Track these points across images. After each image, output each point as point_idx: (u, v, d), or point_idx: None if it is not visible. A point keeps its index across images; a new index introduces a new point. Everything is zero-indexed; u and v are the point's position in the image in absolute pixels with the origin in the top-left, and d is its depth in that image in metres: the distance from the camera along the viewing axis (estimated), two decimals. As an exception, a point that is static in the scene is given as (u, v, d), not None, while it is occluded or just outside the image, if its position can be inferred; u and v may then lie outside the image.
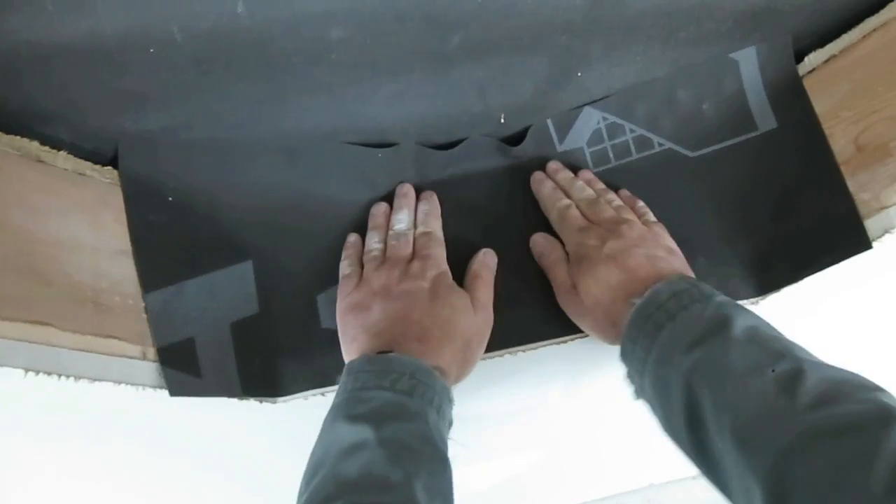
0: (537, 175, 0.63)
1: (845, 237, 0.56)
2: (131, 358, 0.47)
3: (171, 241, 0.53)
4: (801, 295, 0.59)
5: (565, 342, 0.58)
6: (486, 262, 0.60)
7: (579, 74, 0.59)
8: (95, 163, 0.52)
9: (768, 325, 0.48)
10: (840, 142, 0.57)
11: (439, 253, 0.58)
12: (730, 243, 0.62)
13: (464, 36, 0.52)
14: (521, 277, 0.60)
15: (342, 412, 0.46)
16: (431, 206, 0.61)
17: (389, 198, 0.62)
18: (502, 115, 0.61)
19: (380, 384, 0.47)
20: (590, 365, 0.63)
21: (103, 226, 0.50)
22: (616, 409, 0.74)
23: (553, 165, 0.63)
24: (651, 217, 0.61)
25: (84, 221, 0.49)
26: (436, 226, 0.60)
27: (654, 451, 0.77)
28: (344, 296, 0.56)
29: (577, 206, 0.60)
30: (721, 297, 0.49)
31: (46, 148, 0.48)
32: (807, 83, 0.60)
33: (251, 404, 0.53)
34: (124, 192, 0.52)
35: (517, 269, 0.60)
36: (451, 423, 0.50)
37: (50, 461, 0.53)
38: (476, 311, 0.56)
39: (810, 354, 0.45)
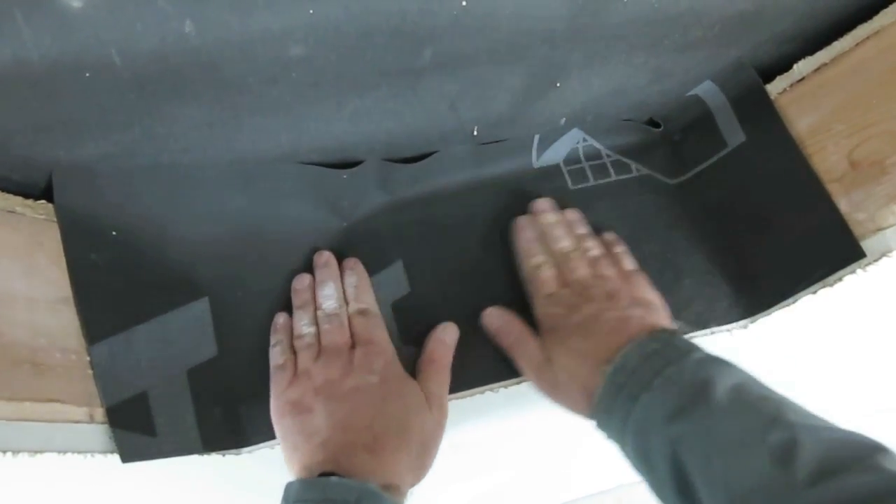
0: (520, 221, 0.58)
1: (834, 247, 0.53)
2: (77, 422, 0.42)
3: (116, 283, 0.47)
4: (796, 325, 0.57)
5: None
6: (443, 339, 0.53)
7: (557, 85, 0.55)
8: (26, 197, 0.46)
9: (753, 379, 0.45)
10: (832, 157, 0.54)
11: (381, 335, 0.52)
12: (716, 264, 0.59)
13: (436, 49, 0.47)
14: (502, 305, 0.56)
15: None
16: (360, 278, 0.54)
17: (359, 216, 0.58)
18: (475, 128, 0.57)
19: None
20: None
21: (38, 271, 0.44)
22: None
23: (540, 205, 0.59)
24: (628, 265, 0.57)
25: (16, 268, 0.43)
26: (370, 300, 0.54)
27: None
28: (280, 392, 0.50)
29: (552, 262, 0.55)
30: (698, 354, 0.46)
31: (-32, 186, 0.43)
32: (796, 93, 0.57)
33: (214, 457, 0.49)
34: (61, 229, 0.46)
35: (496, 295, 0.56)
36: None
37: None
38: (431, 407, 0.50)
39: (802, 413, 0.42)
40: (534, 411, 0.62)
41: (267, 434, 0.50)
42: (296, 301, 0.54)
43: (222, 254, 0.53)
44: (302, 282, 0.54)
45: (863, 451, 0.38)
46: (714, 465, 0.40)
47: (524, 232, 0.57)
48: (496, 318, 0.55)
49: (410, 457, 0.48)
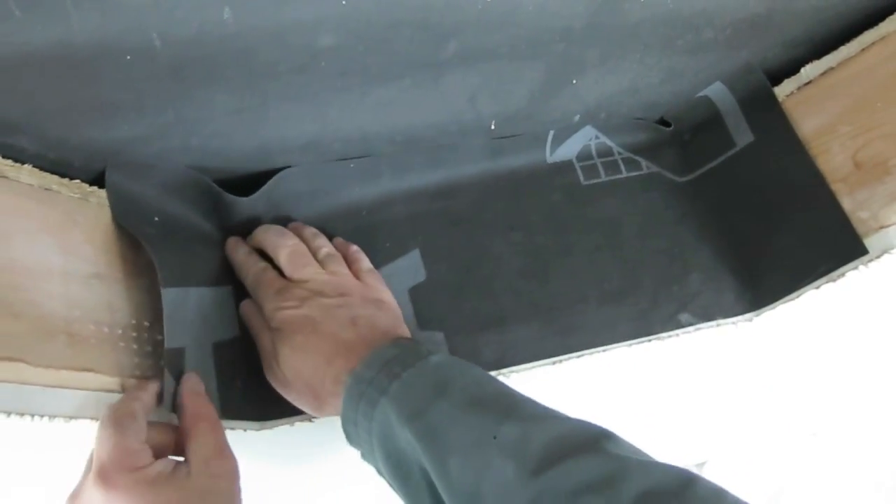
0: (230, 241, 0.55)
1: (838, 243, 0.55)
2: (109, 391, 0.44)
3: (170, 248, 0.50)
4: (800, 319, 0.59)
5: (560, 362, 0.56)
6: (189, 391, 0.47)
7: (574, 82, 0.57)
8: (62, 176, 0.48)
9: (490, 378, 0.45)
10: (837, 158, 0.56)
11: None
12: (723, 259, 0.61)
13: (460, 43, 0.49)
14: (511, 292, 0.58)
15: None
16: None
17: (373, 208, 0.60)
18: (493, 122, 0.59)
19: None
20: (584, 382, 0.62)
21: (73, 248, 0.46)
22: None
23: (259, 230, 0.56)
24: (365, 265, 0.56)
25: (52, 243, 0.45)
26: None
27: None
28: None
29: (278, 262, 0.54)
30: (438, 358, 0.45)
31: (9, 162, 0.44)
32: (803, 96, 0.59)
33: (235, 434, 0.50)
34: (113, 207, 0.49)
35: (506, 283, 0.59)
36: None
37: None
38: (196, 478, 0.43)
39: (537, 407, 0.43)
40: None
41: (283, 413, 0.52)
42: None
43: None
44: None
45: (588, 438, 0.39)
46: (449, 466, 0.40)
47: (236, 251, 0.55)
48: (246, 308, 0.54)
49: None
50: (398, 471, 0.44)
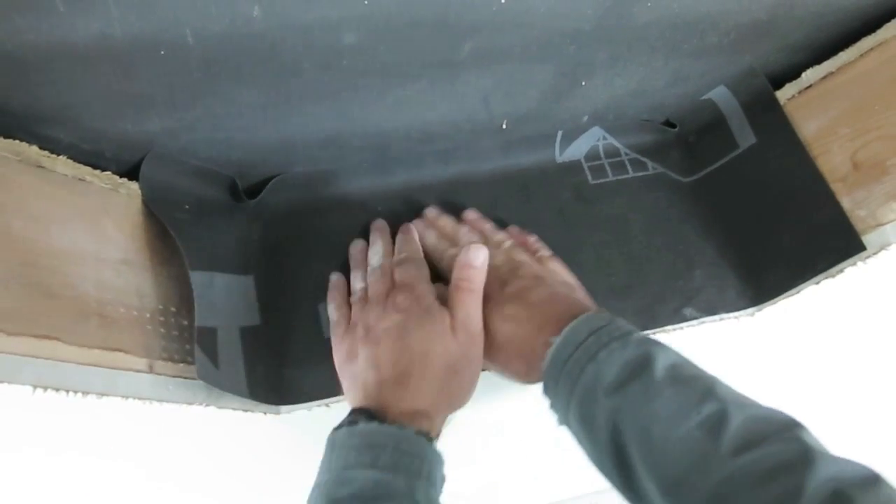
0: (417, 225, 0.60)
1: (837, 240, 0.57)
2: (138, 371, 0.45)
3: (196, 236, 0.52)
4: (800, 313, 0.60)
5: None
6: (469, 262, 0.54)
7: (583, 83, 0.59)
8: (94, 167, 0.50)
9: (689, 361, 0.47)
10: (837, 158, 0.58)
11: (415, 273, 0.55)
12: (725, 256, 0.63)
13: (475, 44, 0.51)
14: None
15: (326, 494, 0.44)
16: (407, 234, 0.59)
17: (386, 202, 0.62)
18: (504, 122, 0.61)
19: (361, 462, 0.44)
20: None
21: (104, 234, 0.48)
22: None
23: (431, 213, 0.61)
24: (545, 252, 0.59)
25: (85, 230, 0.47)
26: (412, 249, 0.58)
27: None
28: (337, 344, 0.55)
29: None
30: (637, 335, 0.48)
31: (46, 153, 0.46)
32: (803, 99, 0.61)
33: (255, 417, 0.52)
34: (145, 193, 0.52)
35: None
36: (443, 480, 0.48)
37: (54, 475, 0.52)
38: (455, 333, 0.52)
39: (733, 391, 0.45)
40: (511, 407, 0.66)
41: (305, 396, 0.54)
42: (352, 263, 0.59)
43: (267, 244, 0.59)
44: (356, 246, 0.60)
45: (782, 426, 0.41)
46: (649, 438, 0.43)
47: (427, 234, 0.60)
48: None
49: (437, 381, 0.51)
50: (588, 431, 0.47)
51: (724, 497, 0.39)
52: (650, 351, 0.46)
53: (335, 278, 0.58)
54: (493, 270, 0.55)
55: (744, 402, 0.43)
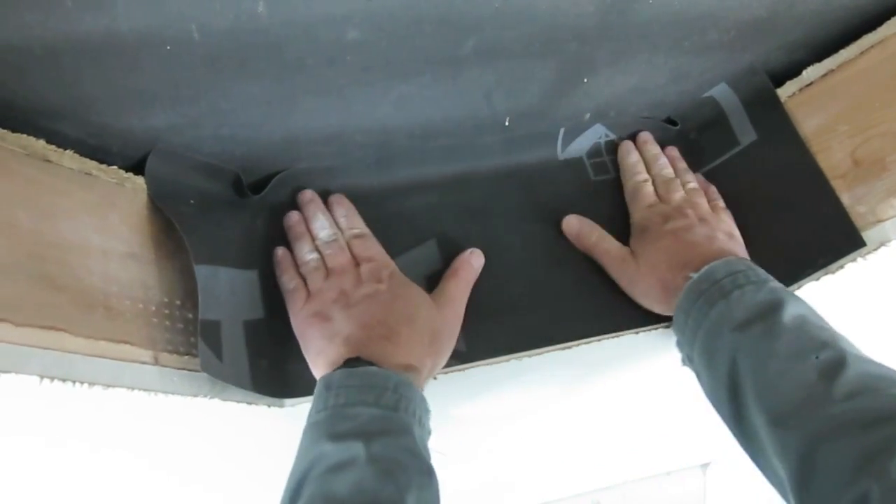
0: (626, 144, 0.67)
1: (837, 236, 0.57)
2: (143, 363, 0.46)
3: (201, 230, 0.53)
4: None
5: (569, 348, 0.59)
6: (469, 260, 0.59)
7: (585, 80, 0.60)
8: (100, 161, 0.50)
9: (818, 314, 0.50)
10: (837, 155, 0.58)
11: (380, 252, 0.58)
12: None
13: (478, 40, 0.52)
14: (523, 281, 0.61)
15: (325, 429, 0.45)
16: (347, 208, 0.60)
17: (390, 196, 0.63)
18: (507, 119, 0.62)
19: (364, 400, 0.46)
20: (588, 369, 0.64)
21: (111, 228, 0.48)
22: (599, 411, 0.75)
23: (644, 136, 0.67)
24: (721, 203, 0.64)
25: (92, 223, 0.47)
26: (361, 224, 0.60)
27: (631, 448, 0.78)
28: (297, 310, 0.55)
29: (653, 182, 0.64)
30: (775, 283, 0.51)
31: (53, 147, 0.47)
32: (804, 96, 0.61)
33: (259, 410, 0.53)
34: (151, 187, 0.52)
35: (518, 272, 0.61)
36: (429, 433, 0.50)
37: (57, 465, 0.52)
38: (441, 306, 0.56)
39: (855, 347, 0.47)
40: (552, 392, 0.66)
41: (308, 390, 0.54)
42: (292, 235, 0.59)
43: (271, 238, 0.59)
44: (291, 218, 0.60)
45: (893, 382, 0.43)
46: (766, 371, 0.46)
47: (630, 155, 0.66)
48: (576, 222, 0.63)
49: (423, 343, 0.53)
50: (709, 362, 0.50)
51: (829, 434, 0.41)
52: (783, 298, 0.49)
53: (281, 252, 0.59)
54: (660, 206, 0.61)
55: (864, 358, 0.45)
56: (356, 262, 0.57)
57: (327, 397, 0.47)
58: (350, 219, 0.60)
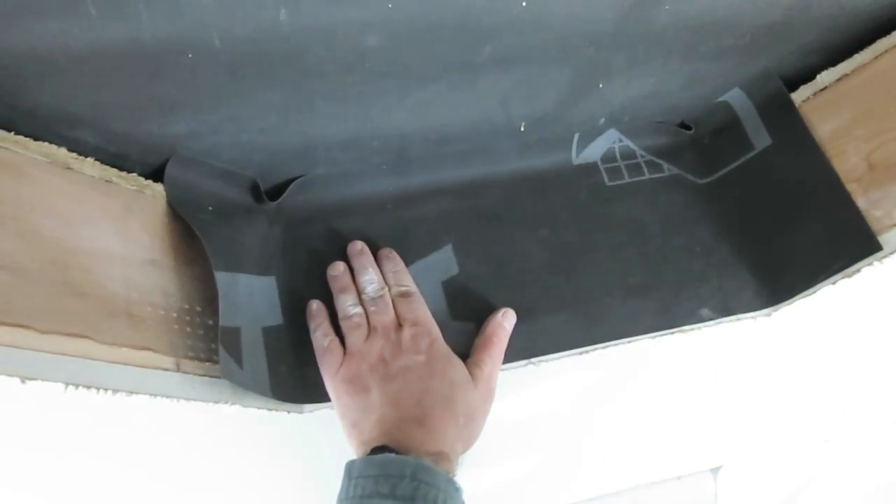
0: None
1: (853, 241, 0.57)
2: (165, 370, 0.46)
3: (220, 236, 0.53)
4: (817, 314, 0.61)
5: (583, 353, 0.59)
6: (502, 323, 0.58)
7: (600, 86, 0.60)
8: (120, 168, 0.51)
9: None
10: (852, 159, 0.58)
11: (425, 315, 0.57)
12: (742, 257, 0.64)
13: (495, 46, 0.52)
14: (537, 286, 0.61)
15: None
16: (396, 263, 0.59)
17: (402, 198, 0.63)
18: (522, 124, 0.62)
19: (379, 491, 0.45)
20: (601, 374, 0.64)
21: (131, 235, 0.48)
22: (616, 411, 0.75)
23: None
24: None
25: (112, 230, 0.47)
26: (410, 282, 0.59)
27: (641, 452, 0.78)
28: (334, 371, 0.54)
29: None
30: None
31: (74, 155, 0.47)
32: (818, 101, 0.61)
33: (279, 416, 0.53)
34: (170, 194, 0.52)
35: (532, 277, 0.61)
36: None
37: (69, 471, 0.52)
38: (477, 385, 0.54)
39: None
40: (532, 405, 0.66)
41: (327, 396, 0.54)
42: (336, 286, 0.58)
43: (290, 246, 0.59)
44: (336, 268, 0.59)
45: None
46: None
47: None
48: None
49: (457, 427, 0.51)
50: None
51: None
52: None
53: (315, 306, 0.58)
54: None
55: None
56: (399, 324, 0.56)
57: (348, 487, 0.47)
58: (398, 275, 0.58)
